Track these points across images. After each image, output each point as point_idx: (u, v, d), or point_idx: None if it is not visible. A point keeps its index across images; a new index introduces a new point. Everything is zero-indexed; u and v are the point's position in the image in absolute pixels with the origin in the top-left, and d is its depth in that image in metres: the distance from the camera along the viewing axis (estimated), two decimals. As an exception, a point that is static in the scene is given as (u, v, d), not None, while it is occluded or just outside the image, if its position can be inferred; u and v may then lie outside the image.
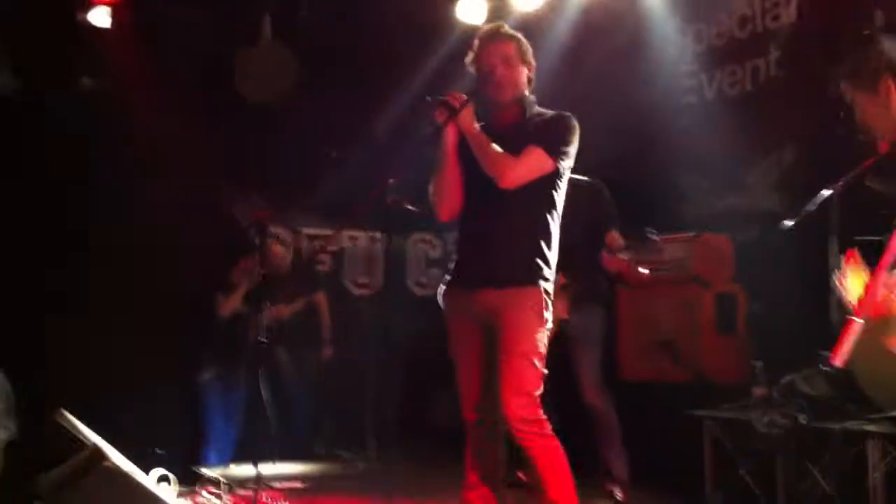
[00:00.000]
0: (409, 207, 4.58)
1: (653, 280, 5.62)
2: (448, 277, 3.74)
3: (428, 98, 3.67)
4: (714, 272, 5.60)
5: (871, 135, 3.12)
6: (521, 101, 3.70)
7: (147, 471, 4.23)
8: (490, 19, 6.65)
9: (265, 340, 5.25)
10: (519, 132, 3.61)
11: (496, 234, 3.57)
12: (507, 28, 3.77)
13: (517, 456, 3.57)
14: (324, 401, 6.68)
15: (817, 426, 4.16)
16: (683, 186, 6.37)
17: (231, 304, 6.26)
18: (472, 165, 3.59)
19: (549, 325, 3.56)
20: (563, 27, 6.69)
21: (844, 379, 4.31)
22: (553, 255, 3.62)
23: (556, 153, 3.57)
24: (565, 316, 4.82)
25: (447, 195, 3.67)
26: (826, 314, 4.89)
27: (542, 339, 3.51)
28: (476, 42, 3.74)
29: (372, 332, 6.56)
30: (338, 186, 6.80)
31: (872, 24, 5.34)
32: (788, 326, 5.08)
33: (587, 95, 6.85)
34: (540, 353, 3.49)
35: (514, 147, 3.55)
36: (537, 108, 3.73)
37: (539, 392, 3.48)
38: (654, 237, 4.43)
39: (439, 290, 3.76)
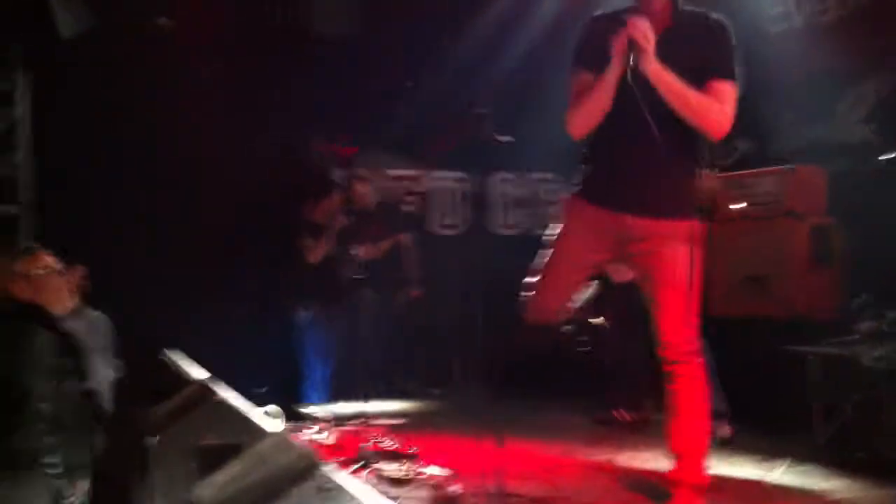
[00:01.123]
0: (501, 139, 4.47)
1: (745, 214, 5.61)
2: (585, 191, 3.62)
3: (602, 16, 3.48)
4: (808, 205, 5.51)
5: None
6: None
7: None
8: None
9: (359, 278, 5.28)
10: (674, 40, 3.37)
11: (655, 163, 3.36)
12: None
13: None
14: (412, 339, 6.77)
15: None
16: (773, 118, 6.25)
17: (320, 249, 6.32)
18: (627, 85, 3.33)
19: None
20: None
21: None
22: None
23: (735, 80, 3.41)
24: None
25: (595, 119, 3.46)
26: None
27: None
28: None
29: (458, 271, 6.60)
30: (418, 119, 6.76)
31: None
32: (888, 258, 5.02)
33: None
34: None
35: (669, 56, 3.30)
36: (687, 7, 3.48)
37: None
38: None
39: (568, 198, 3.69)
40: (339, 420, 5.38)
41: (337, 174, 6.84)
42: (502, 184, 7.62)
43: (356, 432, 4.99)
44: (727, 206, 5.70)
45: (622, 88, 3.36)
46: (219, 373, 4.18)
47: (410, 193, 7.37)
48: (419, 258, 6.85)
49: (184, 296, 5.88)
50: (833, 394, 4.49)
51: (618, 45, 3.31)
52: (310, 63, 6.83)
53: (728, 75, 3.40)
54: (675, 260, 3.44)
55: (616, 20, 3.37)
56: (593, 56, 3.45)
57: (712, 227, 5.71)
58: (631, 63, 3.30)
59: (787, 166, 5.60)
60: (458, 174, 7.34)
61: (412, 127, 7.00)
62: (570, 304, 3.89)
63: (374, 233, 6.59)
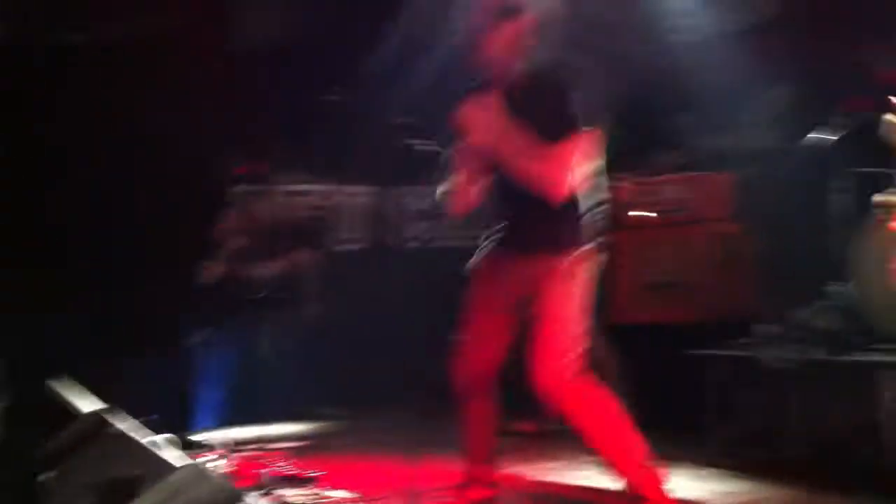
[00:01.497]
0: (426, 148, 4.41)
1: (655, 220, 5.65)
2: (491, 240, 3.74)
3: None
4: (716, 211, 5.58)
5: None
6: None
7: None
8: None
9: (255, 299, 5.17)
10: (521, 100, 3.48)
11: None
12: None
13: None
14: (313, 359, 6.61)
15: (830, 359, 4.17)
16: (680, 126, 6.33)
17: (217, 268, 6.14)
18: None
19: None
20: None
21: (856, 313, 4.33)
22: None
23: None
24: None
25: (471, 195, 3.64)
26: (828, 248, 4.92)
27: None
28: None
29: (361, 287, 6.51)
30: (325, 138, 6.69)
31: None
32: (793, 262, 5.08)
33: (584, 36, 6.79)
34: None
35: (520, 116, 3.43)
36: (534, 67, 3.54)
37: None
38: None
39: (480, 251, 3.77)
40: (237, 446, 5.21)
41: (236, 190, 6.68)
42: (408, 197, 7.53)
43: (255, 458, 4.82)
44: (638, 213, 5.74)
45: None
46: (107, 400, 4.03)
47: (314, 208, 7.22)
48: (321, 275, 6.71)
49: (70, 319, 5.66)
50: (736, 395, 4.50)
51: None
52: (215, 77, 6.69)
53: (563, 135, 3.40)
54: (552, 296, 3.49)
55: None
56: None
57: (621, 235, 5.82)
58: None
59: (693, 172, 5.66)
60: (364, 188, 7.22)
61: (325, 142, 6.89)
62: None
63: (274, 250, 6.44)
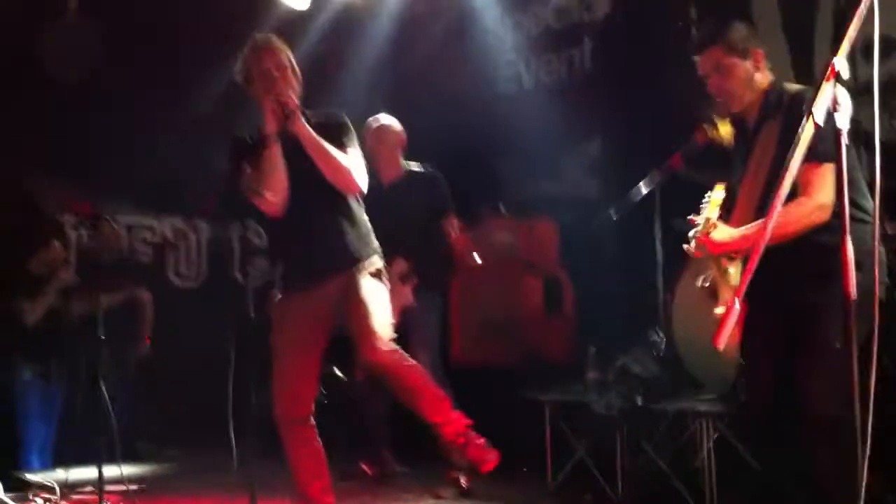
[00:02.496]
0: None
1: (484, 264, 5.80)
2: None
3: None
4: (541, 256, 5.80)
5: (725, 104, 3.31)
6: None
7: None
8: (314, 5, 6.60)
9: (84, 336, 4.98)
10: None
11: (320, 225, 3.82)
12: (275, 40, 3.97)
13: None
14: (146, 398, 6.43)
15: (651, 406, 4.41)
16: (505, 173, 6.54)
17: (39, 307, 5.89)
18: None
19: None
20: (387, 17, 6.71)
21: (673, 360, 4.60)
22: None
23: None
24: (410, 302, 4.92)
25: (283, 191, 3.76)
26: (652, 296, 5.20)
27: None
28: (248, 51, 3.91)
29: (196, 324, 6.38)
30: (158, 173, 6.54)
31: (687, 17, 5.66)
32: (616, 309, 5.33)
33: (413, 84, 6.95)
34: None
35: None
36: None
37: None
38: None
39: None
40: (69, 488, 5.01)
41: (65, 222, 6.44)
42: (245, 233, 7.46)
43: (86, 502, 4.65)
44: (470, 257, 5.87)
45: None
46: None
47: (147, 243, 7.05)
48: (154, 311, 6.54)
49: None
50: (567, 439, 4.70)
51: (273, 117, 3.75)
52: (47, 105, 6.43)
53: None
54: (356, 301, 3.80)
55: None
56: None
57: (456, 278, 5.96)
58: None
59: (520, 218, 5.86)
60: (197, 223, 7.11)
61: (160, 179, 6.73)
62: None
63: (105, 284, 6.23)
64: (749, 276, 2.33)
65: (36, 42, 6.38)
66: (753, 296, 3.27)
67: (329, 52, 6.87)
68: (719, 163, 3.77)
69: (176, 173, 6.64)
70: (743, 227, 3.15)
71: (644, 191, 5.15)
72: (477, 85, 6.79)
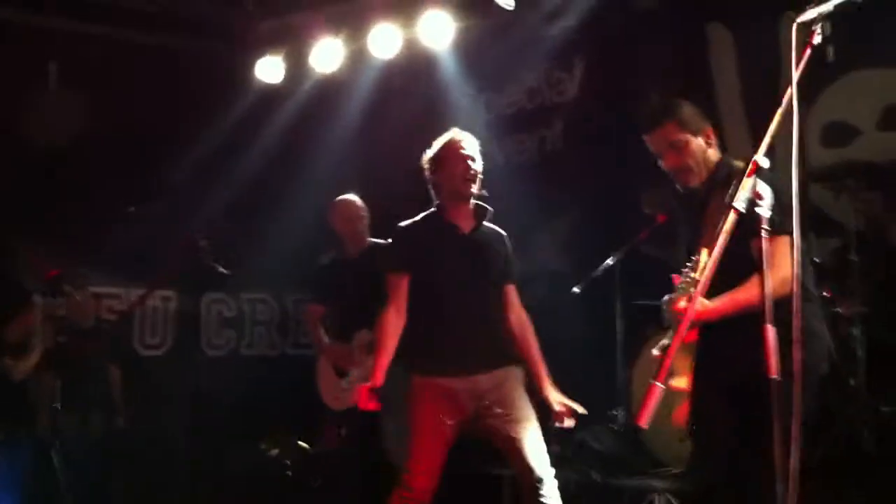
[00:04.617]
0: (223, 271, 4.54)
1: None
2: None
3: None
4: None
5: (684, 179, 3.38)
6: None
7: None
8: (288, 80, 6.72)
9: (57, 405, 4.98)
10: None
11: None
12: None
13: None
14: (114, 467, 6.35)
15: (609, 482, 4.41)
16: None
17: (26, 367, 5.87)
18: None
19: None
20: (362, 91, 6.84)
21: (631, 436, 4.62)
22: None
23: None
24: None
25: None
26: (613, 373, 5.23)
27: None
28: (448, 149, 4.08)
29: (164, 393, 6.35)
30: (133, 243, 6.59)
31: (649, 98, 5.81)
32: (576, 385, 5.33)
33: (385, 159, 7.06)
34: None
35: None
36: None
37: None
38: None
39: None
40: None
41: (41, 290, 6.44)
42: (213, 304, 7.50)
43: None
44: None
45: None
46: None
47: (113, 312, 7.05)
48: (123, 380, 6.52)
49: None
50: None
51: None
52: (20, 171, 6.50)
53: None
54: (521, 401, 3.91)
55: (425, 226, 4.02)
56: (406, 261, 3.96)
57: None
58: None
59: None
60: (165, 293, 7.14)
61: (129, 248, 6.77)
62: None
63: (73, 352, 6.21)
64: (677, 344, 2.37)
65: (11, 109, 6.48)
66: (700, 373, 3.35)
67: (303, 126, 7.00)
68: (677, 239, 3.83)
69: (147, 242, 6.68)
70: (718, 298, 3.13)
71: (606, 266, 5.25)
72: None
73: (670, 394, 3.54)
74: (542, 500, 3.70)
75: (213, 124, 6.77)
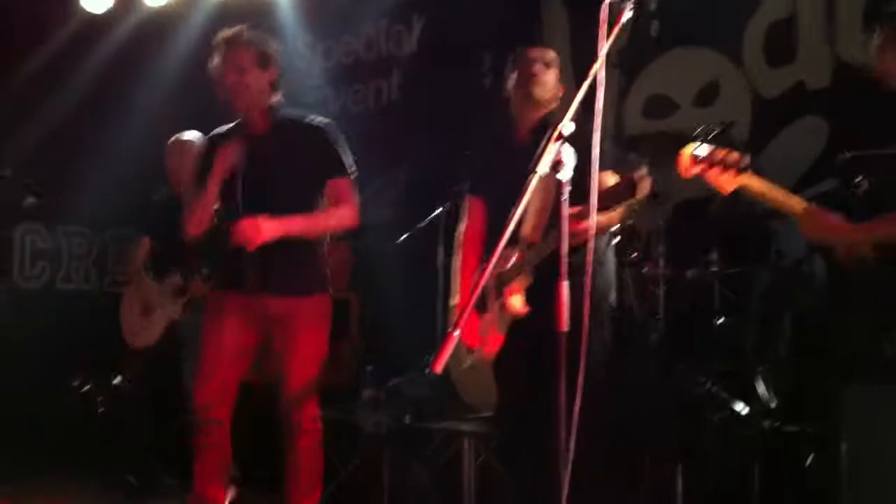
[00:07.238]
0: (34, 200, 4.37)
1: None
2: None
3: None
4: (332, 279, 5.83)
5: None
6: (266, 110, 3.82)
7: None
8: (116, 10, 6.48)
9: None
10: (276, 140, 3.79)
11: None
12: (245, 34, 3.82)
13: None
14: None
15: (420, 426, 4.53)
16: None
17: None
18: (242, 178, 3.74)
19: None
20: (192, 27, 6.66)
21: (443, 383, 4.73)
22: None
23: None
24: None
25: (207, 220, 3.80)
26: (433, 321, 5.34)
27: None
28: (214, 50, 3.80)
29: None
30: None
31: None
32: (398, 332, 5.44)
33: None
34: None
35: (273, 154, 3.73)
36: (288, 112, 3.88)
37: None
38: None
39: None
40: None
41: None
42: (27, 235, 7.19)
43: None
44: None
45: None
46: None
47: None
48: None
49: None
50: (335, 456, 4.72)
51: (218, 168, 3.73)
52: None
53: (342, 173, 3.91)
54: (308, 337, 3.77)
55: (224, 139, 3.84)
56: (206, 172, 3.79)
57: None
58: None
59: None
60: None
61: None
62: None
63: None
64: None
65: None
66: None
67: (131, 59, 6.77)
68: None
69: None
70: None
71: (431, 218, 5.33)
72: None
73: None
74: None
75: (31, 54, 6.49)
